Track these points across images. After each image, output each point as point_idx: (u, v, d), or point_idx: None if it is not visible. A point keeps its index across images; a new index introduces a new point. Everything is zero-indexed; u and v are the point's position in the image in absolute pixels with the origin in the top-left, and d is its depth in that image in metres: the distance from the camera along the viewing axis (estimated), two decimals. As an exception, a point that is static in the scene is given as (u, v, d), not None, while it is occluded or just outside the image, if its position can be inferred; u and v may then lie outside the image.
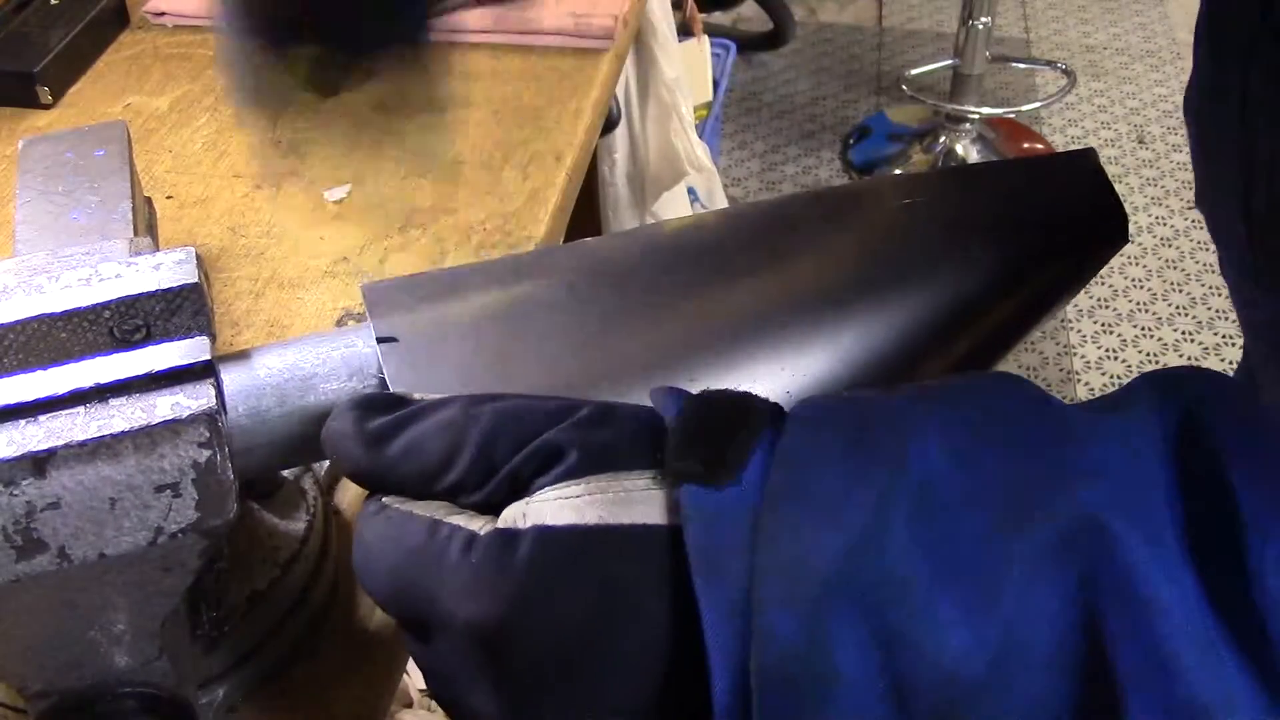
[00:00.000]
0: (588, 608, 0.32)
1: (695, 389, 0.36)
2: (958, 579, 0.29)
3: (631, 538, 0.32)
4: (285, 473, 0.55)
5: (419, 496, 0.36)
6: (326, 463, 0.61)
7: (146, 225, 0.66)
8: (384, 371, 0.41)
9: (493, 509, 0.35)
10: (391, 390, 0.40)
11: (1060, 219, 0.47)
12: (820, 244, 0.45)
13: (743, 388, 0.36)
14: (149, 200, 0.72)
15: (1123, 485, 0.30)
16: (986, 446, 0.32)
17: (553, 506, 0.33)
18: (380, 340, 0.42)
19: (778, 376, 0.42)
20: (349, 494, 0.63)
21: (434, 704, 1.45)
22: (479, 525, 0.34)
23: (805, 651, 0.29)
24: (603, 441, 0.34)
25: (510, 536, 0.33)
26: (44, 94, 0.95)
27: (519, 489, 0.34)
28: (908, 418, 0.32)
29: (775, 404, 0.35)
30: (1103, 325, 2.21)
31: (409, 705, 1.45)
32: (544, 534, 0.32)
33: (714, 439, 0.33)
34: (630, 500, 0.33)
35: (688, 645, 0.31)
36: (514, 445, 0.35)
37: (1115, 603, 0.29)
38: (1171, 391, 0.32)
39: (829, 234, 0.45)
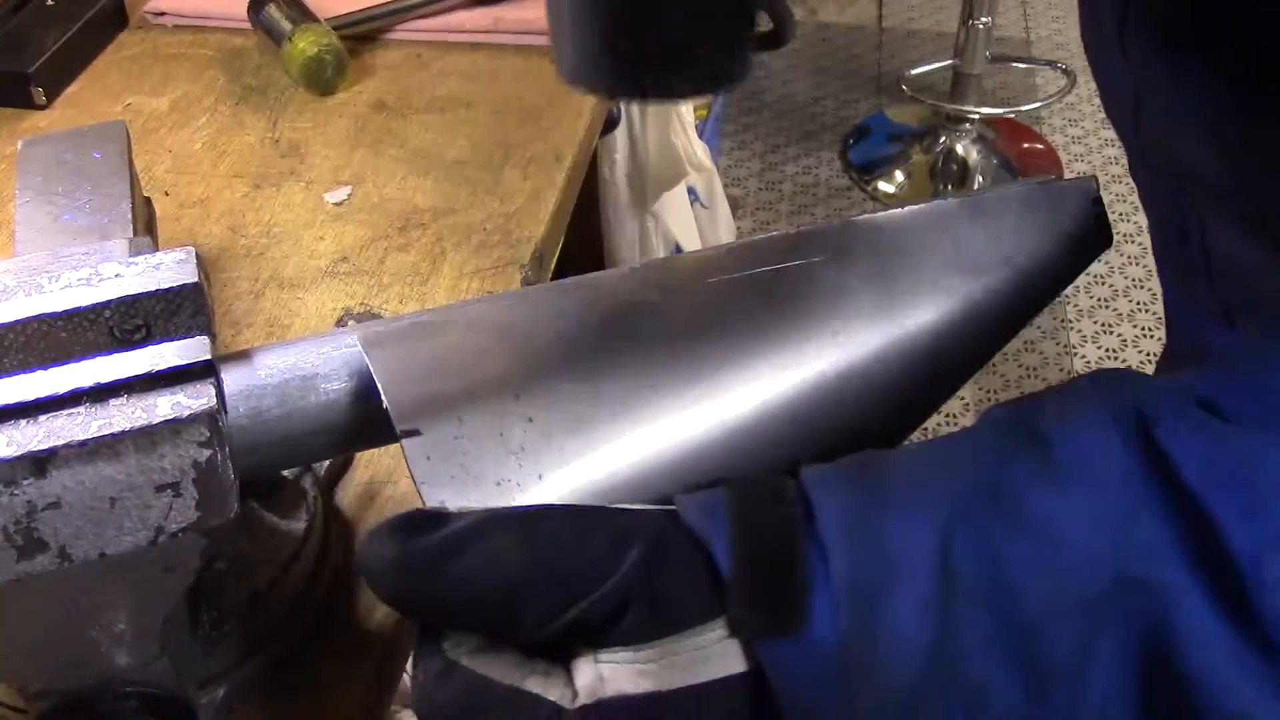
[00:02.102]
0: None
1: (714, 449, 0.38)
2: (1029, 668, 0.32)
3: (713, 695, 0.34)
4: (285, 472, 0.55)
5: (472, 632, 0.35)
6: (327, 462, 0.61)
7: (146, 225, 0.66)
8: (411, 472, 0.39)
9: (552, 645, 0.35)
10: (426, 504, 0.38)
11: (1063, 250, 0.48)
12: (830, 284, 0.45)
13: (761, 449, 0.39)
14: (148, 200, 0.72)
15: (1149, 544, 0.33)
16: (1008, 535, 0.34)
17: (629, 672, 0.34)
18: (405, 434, 0.39)
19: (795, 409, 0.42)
20: (349, 494, 0.63)
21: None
22: (558, 693, 0.34)
23: None
24: (666, 593, 0.35)
25: (597, 709, 0.33)
26: (38, 95, 0.95)
27: (583, 636, 0.35)
28: (926, 510, 0.34)
29: (801, 492, 0.36)
30: (1103, 325, 2.21)
31: (409, 705, 1.44)
32: (631, 704, 0.33)
33: (774, 583, 0.34)
34: (706, 657, 0.34)
35: None
36: (572, 589, 0.34)
37: (1179, 660, 0.32)
38: (1123, 408, 0.35)
39: (837, 276, 0.45)
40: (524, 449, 0.39)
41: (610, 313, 0.44)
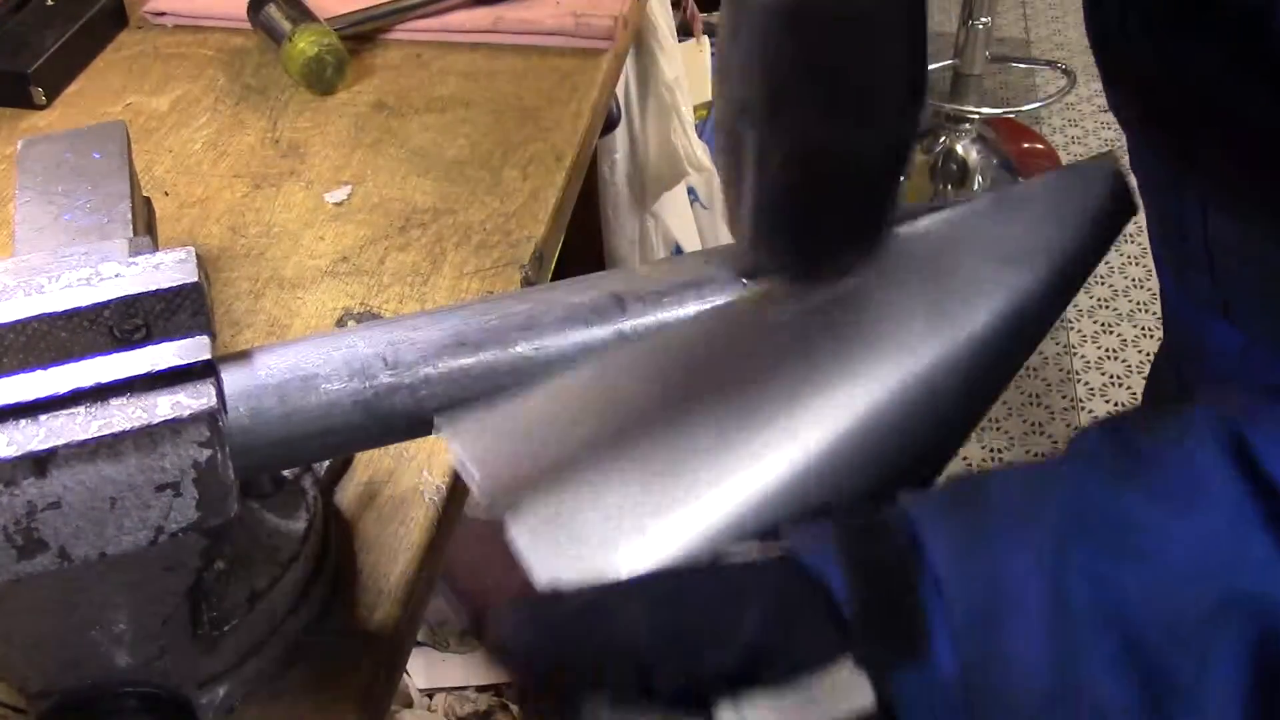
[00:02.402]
0: None
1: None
2: (1149, 687, 0.34)
3: None
4: (285, 472, 0.55)
5: (609, 692, 0.36)
6: (327, 462, 0.61)
7: (145, 225, 0.66)
8: (519, 550, 0.39)
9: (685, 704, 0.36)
10: (535, 575, 0.39)
11: (1093, 229, 0.48)
12: (880, 304, 0.45)
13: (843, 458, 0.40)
14: (148, 200, 0.72)
15: (1259, 559, 0.34)
16: (1115, 561, 0.35)
17: (770, 716, 0.35)
18: (510, 523, 0.40)
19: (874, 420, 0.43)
20: (349, 494, 0.63)
21: (434, 704, 1.45)
22: None
23: None
24: (794, 640, 0.36)
25: None
26: (38, 95, 0.95)
27: (718, 687, 0.36)
28: (1030, 539, 0.36)
29: (906, 525, 0.37)
30: (1103, 325, 2.21)
31: (409, 705, 1.45)
32: None
33: (893, 615, 0.36)
34: (839, 693, 0.36)
35: None
36: (707, 651, 0.35)
37: None
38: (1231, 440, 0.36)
39: (885, 295, 0.46)
40: (622, 506, 0.40)
41: (683, 362, 0.46)
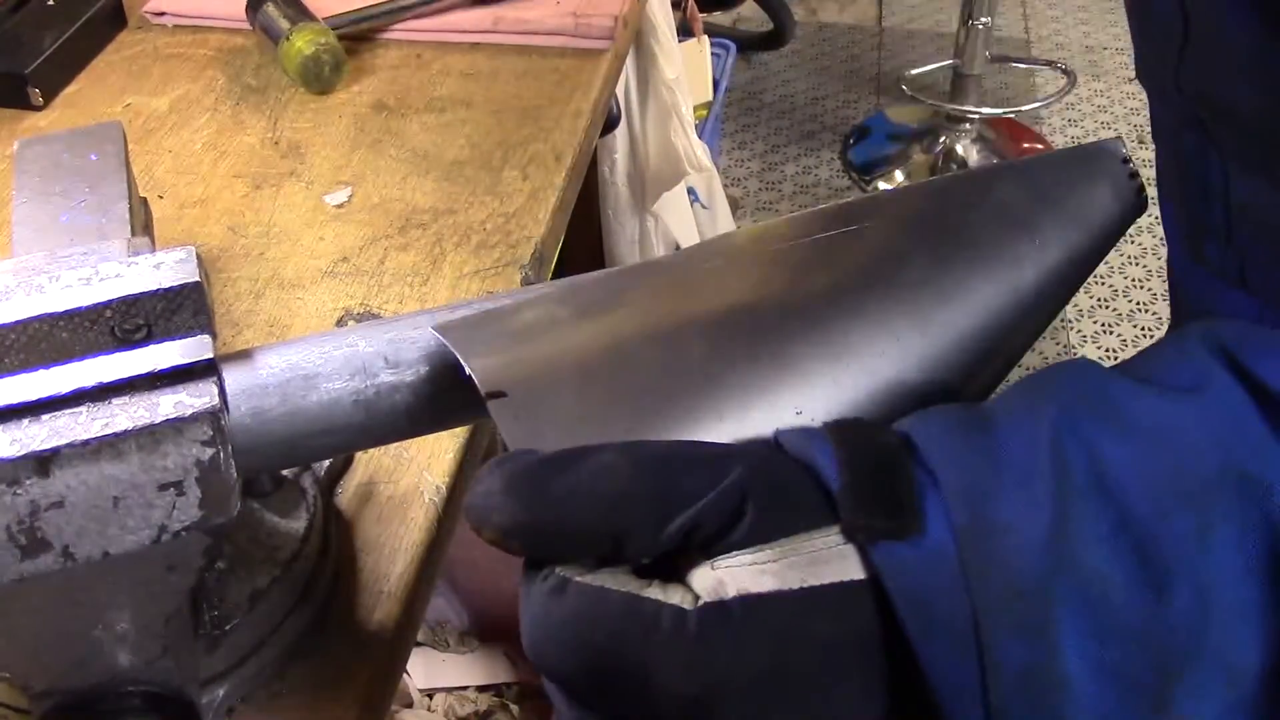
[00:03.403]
0: (809, 668, 0.33)
1: (805, 418, 0.38)
2: (1146, 560, 0.33)
3: (836, 597, 0.34)
4: (285, 472, 0.56)
5: (582, 555, 0.35)
6: (327, 462, 0.61)
7: (143, 226, 0.66)
8: (499, 430, 0.38)
9: (661, 569, 0.35)
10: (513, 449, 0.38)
11: (1101, 206, 0.48)
12: (889, 249, 0.45)
13: (850, 409, 0.39)
14: (145, 201, 0.72)
15: (1254, 444, 0.34)
16: (1117, 437, 0.34)
17: (750, 572, 0.33)
18: (490, 395, 0.39)
19: (880, 363, 0.42)
20: (349, 494, 0.63)
21: (434, 704, 1.45)
22: (678, 598, 0.34)
23: (1038, 668, 0.32)
24: (775, 498, 0.35)
25: (721, 608, 0.33)
26: (35, 95, 0.95)
27: (694, 545, 0.34)
28: (1031, 421, 0.35)
29: (898, 430, 0.36)
30: (1103, 325, 2.22)
31: (409, 705, 1.45)
32: (754, 603, 0.33)
33: (883, 488, 0.34)
34: (824, 559, 0.34)
35: (904, 693, 0.33)
36: (685, 493, 0.34)
37: None
38: (1218, 349, 0.36)
39: (897, 241, 0.45)
40: (609, 408, 0.39)
41: (677, 282, 0.45)
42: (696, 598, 0.33)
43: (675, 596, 0.33)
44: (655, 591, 0.34)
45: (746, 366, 0.40)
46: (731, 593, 0.33)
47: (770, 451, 0.36)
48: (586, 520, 0.34)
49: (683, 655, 0.33)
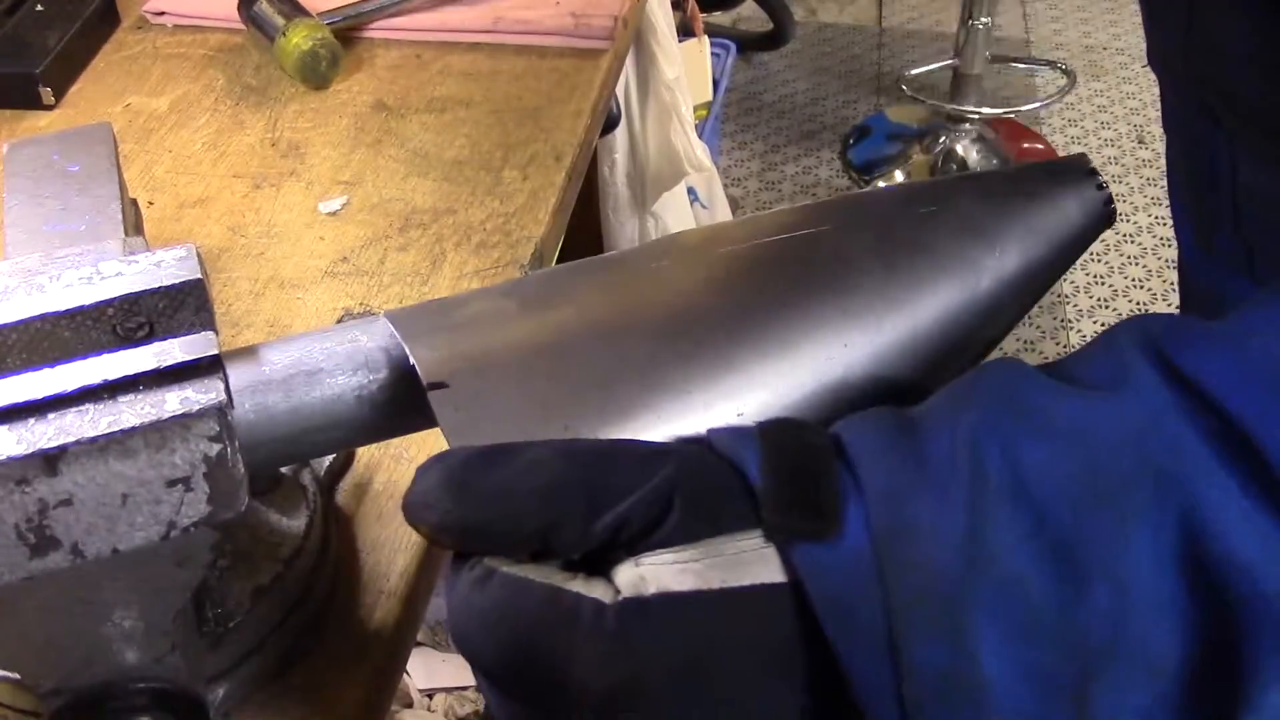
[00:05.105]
0: (726, 668, 0.33)
1: (745, 419, 0.38)
2: (1063, 559, 0.32)
3: (755, 599, 0.34)
4: (283, 469, 0.56)
5: (512, 549, 0.35)
6: (327, 461, 0.61)
7: (134, 227, 0.65)
8: (439, 423, 0.39)
9: (589, 565, 0.35)
10: (450, 444, 0.38)
11: (1065, 219, 0.48)
12: (842, 255, 0.45)
13: (793, 411, 0.39)
14: (134, 202, 0.72)
15: (1169, 440, 0.33)
16: (1034, 439, 0.34)
17: (671, 571, 0.34)
18: (431, 386, 0.40)
19: (827, 367, 0.42)
20: (349, 492, 0.63)
21: (434, 704, 1.45)
22: (600, 592, 0.34)
23: (956, 670, 0.32)
24: (701, 499, 0.35)
25: (641, 604, 0.33)
26: (46, 95, 0.95)
27: (621, 542, 0.35)
28: (951, 425, 0.35)
29: (830, 433, 0.36)
30: (1103, 325, 2.22)
31: (409, 705, 1.45)
32: (673, 601, 0.33)
33: (805, 491, 0.34)
34: (746, 561, 0.34)
35: (824, 693, 0.34)
36: (612, 490, 0.35)
37: (1212, 545, 0.32)
38: (1150, 346, 0.36)
39: (852, 246, 0.45)
40: (549, 403, 0.40)
41: (624, 280, 0.45)
42: (618, 593, 0.34)
43: (597, 590, 0.34)
44: (578, 585, 0.34)
45: (688, 366, 0.41)
46: (652, 590, 0.33)
47: (702, 451, 0.37)
48: (516, 515, 0.34)
49: (600, 648, 0.33)
